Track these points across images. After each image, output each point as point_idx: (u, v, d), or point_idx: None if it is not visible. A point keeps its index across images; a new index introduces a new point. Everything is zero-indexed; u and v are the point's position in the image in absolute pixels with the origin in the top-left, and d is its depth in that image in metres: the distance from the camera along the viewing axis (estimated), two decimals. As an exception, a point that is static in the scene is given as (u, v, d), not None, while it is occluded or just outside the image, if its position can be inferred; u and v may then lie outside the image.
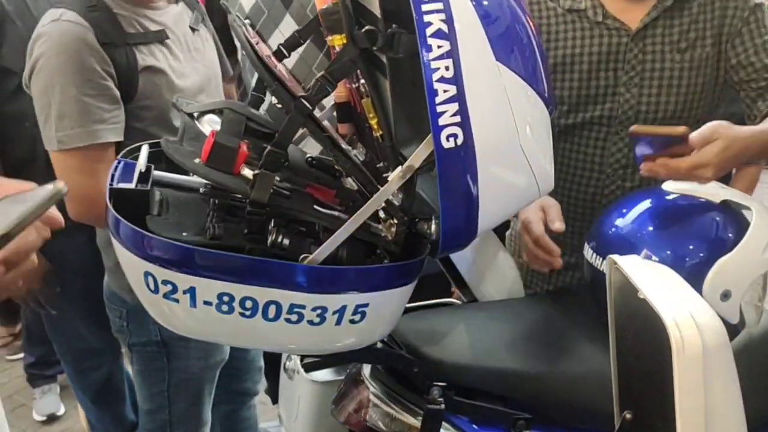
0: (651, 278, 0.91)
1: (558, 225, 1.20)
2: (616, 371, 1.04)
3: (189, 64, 1.40)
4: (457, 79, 0.80)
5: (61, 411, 2.60)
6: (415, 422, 1.06)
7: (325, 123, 1.07)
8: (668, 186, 1.21)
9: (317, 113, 1.06)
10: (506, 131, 0.87)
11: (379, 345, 1.09)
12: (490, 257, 1.34)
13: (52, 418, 2.57)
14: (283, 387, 1.51)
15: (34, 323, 2.26)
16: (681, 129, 1.07)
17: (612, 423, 1.01)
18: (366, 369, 1.16)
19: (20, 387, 2.74)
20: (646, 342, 0.95)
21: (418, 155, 0.85)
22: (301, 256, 0.86)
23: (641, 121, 1.32)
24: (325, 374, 1.33)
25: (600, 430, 1.08)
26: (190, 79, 1.37)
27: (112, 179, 0.93)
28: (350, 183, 1.03)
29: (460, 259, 1.31)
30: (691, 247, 1.12)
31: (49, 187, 0.55)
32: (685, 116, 1.33)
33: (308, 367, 1.28)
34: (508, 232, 1.63)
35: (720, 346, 0.82)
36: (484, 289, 1.36)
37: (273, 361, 1.80)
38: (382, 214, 0.94)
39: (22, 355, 2.74)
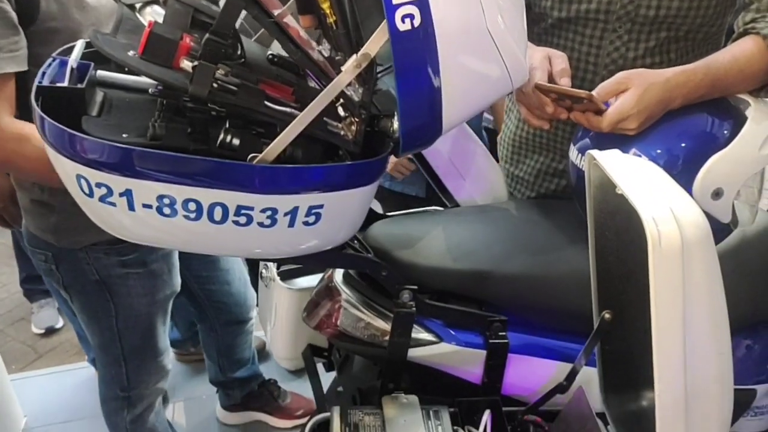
0: (631, 173, 0.86)
1: (565, 81, 1.09)
2: (595, 271, 1.01)
3: None
4: None
5: (59, 324, 2.65)
6: (386, 327, 1.04)
7: (290, 19, 0.98)
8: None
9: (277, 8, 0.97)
10: (471, 13, 0.79)
11: (351, 251, 1.05)
12: (469, 158, 1.28)
13: (50, 331, 2.63)
14: (260, 295, 1.50)
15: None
16: (584, 93, 1.02)
17: (591, 324, 0.99)
18: (338, 275, 1.13)
19: (19, 302, 2.78)
20: (625, 240, 0.91)
21: (374, 41, 0.78)
22: (250, 156, 0.79)
23: (641, 18, 1.20)
24: (301, 282, 1.31)
25: (578, 331, 1.06)
26: None
27: (43, 77, 0.85)
28: (315, 84, 0.96)
29: (438, 161, 1.25)
30: (682, 144, 1.05)
31: None
32: (691, 16, 1.19)
33: (284, 275, 1.25)
34: (499, 137, 1.55)
35: (701, 242, 0.77)
36: (465, 192, 1.31)
37: (253, 269, 1.78)
38: (342, 112, 0.87)
39: None
